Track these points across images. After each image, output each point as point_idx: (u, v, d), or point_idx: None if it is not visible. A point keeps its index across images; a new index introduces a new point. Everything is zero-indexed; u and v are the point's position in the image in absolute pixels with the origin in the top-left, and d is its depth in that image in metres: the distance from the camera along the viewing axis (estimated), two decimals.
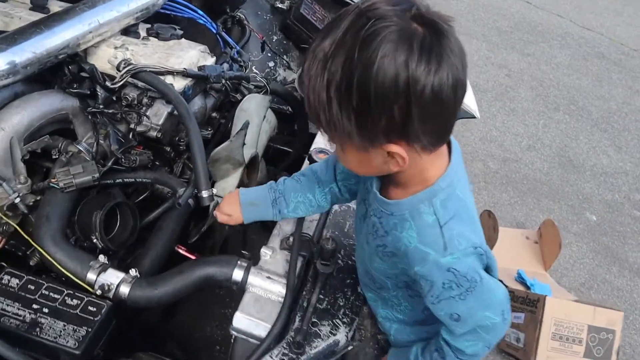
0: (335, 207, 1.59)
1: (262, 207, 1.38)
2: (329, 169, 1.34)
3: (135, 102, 1.53)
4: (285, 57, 2.49)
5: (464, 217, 1.01)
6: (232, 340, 1.35)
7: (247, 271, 1.34)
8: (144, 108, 1.56)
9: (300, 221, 1.46)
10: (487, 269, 1.05)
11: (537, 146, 4.48)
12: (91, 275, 1.31)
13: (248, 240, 1.94)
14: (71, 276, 1.29)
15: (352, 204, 1.60)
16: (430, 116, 0.87)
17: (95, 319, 1.22)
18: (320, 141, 1.76)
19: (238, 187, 1.80)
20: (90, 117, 1.48)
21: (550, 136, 4.65)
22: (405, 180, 1.02)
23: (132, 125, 1.56)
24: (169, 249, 1.52)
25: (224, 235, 1.62)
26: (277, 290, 1.33)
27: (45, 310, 1.21)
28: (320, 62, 0.86)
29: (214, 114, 1.88)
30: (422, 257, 1.01)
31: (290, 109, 2.21)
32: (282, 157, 2.34)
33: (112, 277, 1.32)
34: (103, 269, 1.32)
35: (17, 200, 1.33)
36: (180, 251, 1.59)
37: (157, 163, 1.70)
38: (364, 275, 1.30)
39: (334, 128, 0.90)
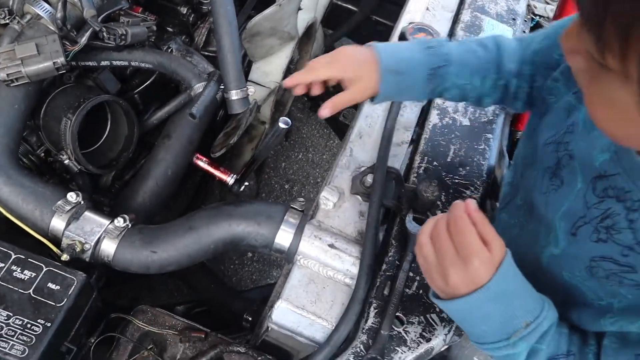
0: (435, 118, 1.03)
1: (411, 79, 0.83)
2: (524, 55, 0.84)
3: None
4: None
5: None
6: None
7: (298, 233, 0.84)
8: None
9: (384, 146, 0.92)
10: None
11: None
12: (57, 224, 0.84)
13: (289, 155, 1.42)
14: (23, 225, 0.82)
15: (461, 116, 1.04)
16: None
17: (59, 304, 0.77)
18: (416, 9, 1.14)
19: (288, 68, 1.24)
20: None
21: None
22: None
23: None
24: (180, 169, 1.03)
25: (261, 160, 1.11)
26: (344, 267, 0.84)
27: None
28: None
29: None
30: None
31: None
32: (342, 18, 1.73)
33: (89, 227, 0.85)
34: (75, 213, 0.85)
35: None
36: (201, 164, 1.10)
37: (168, 29, 1.14)
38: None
39: None
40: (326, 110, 0.82)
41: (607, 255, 0.62)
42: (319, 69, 0.82)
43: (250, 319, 1.26)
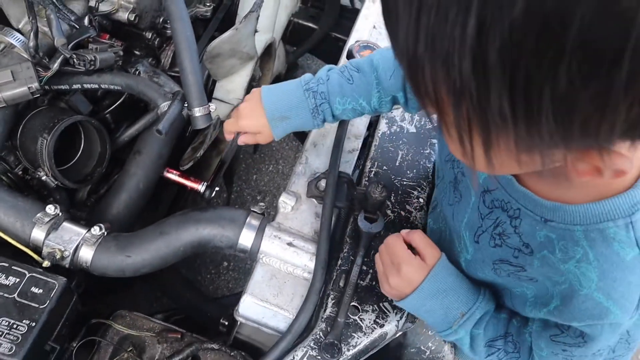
0: (384, 127, 1.13)
1: (298, 120, 0.92)
2: (397, 71, 0.88)
3: None
4: None
5: None
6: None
7: (259, 234, 0.93)
8: None
9: (336, 153, 1.02)
10: None
11: None
12: (37, 235, 0.91)
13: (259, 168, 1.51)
14: (5, 237, 0.89)
15: (408, 124, 1.14)
16: None
17: (42, 306, 0.85)
18: (364, 28, 1.24)
19: (250, 85, 1.33)
20: None
21: None
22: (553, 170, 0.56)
23: (91, 3, 1.06)
24: (151, 182, 1.11)
25: (227, 162, 1.19)
26: (302, 263, 0.93)
27: None
28: None
29: None
30: (597, 313, 0.61)
31: None
32: (304, 35, 1.82)
33: (68, 236, 0.92)
34: (54, 224, 0.92)
35: None
36: (171, 176, 1.17)
37: (136, 52, 1.22)
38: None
39: (471, 104, 0.40)
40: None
41: (503, 258, 0.71)
42: (231, 126, 0.97)
43: (226, 323, 1.33)
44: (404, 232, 0.84)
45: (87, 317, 1.02)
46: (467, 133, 0.43)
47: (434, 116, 0.46)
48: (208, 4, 1.31)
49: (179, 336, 1.03)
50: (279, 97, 0.92)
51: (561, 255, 0.63)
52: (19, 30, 1.00)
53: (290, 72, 1.85)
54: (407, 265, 0.79)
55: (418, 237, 0.82)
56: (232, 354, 0.99)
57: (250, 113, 0.93)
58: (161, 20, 1.21)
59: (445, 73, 0.39)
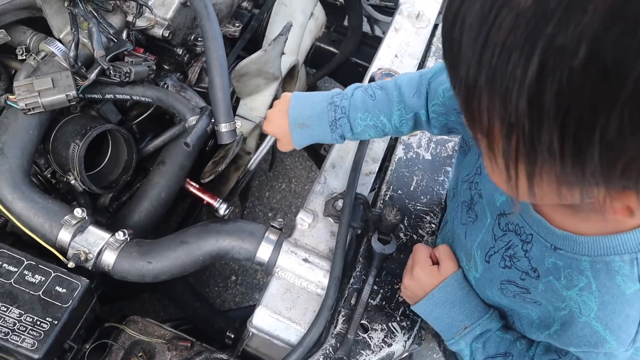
0: (400, 152, 1.17)
1: (317, 130, 0.94)
2: (421, 89, 0.91)
3: None
4: None
5: None
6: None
7: (276, 249, 0.96)
8: None
9: (353, 175, 1.05)
10: None
11: None
12: (63, 236, 0.95)
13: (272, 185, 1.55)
14: (34, 236, 0.93)
15: (424, 151, 1.18)
16: None
17: (65, 305, 0.88)
18: (386, 56, 1.29)
19: (271, 104, 1.37)
20: (66, 3, 1.03)
21: None
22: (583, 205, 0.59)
23: (129, 18, 1.11)
24: (173, 193, 1.14)
25: (247, 178, 1.23)
26: (316, 279, 0.96)
27: None
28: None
29: (244, 3, 1.41)
30: (594, 341, 0.64)
31: None
32: (324, 58, 1.88)
33: (93, 239, 0.96)
34: (81, 227, 0.96)
35: None
36: (190, 188, 1.21)
37: (165, 67, 1.27)
38: None
39: (522, 137, 0.43)
40: None
41: (511, 279, 0.74)
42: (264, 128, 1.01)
43: (232, 336, 1.36)
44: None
45: (100, 321, 1.05)
46: (513, 162, 0.45)
47: (482, 145, 0.49)
48: (237, 25, 1.37)
49: (189, 344, 1.05)
50: (304, 105, 0.94)
51: (565, 282, 0.65)
52: (59, 41, 1.05)
53: None
54: (419, 268, 0.86)
55: (442, 249, 0.88)
56: None
57: (275, 118, 0.97)
58: (192, 37, 1.26)
59: (502, 106, 0.42)
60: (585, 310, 0.64)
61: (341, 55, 1.84)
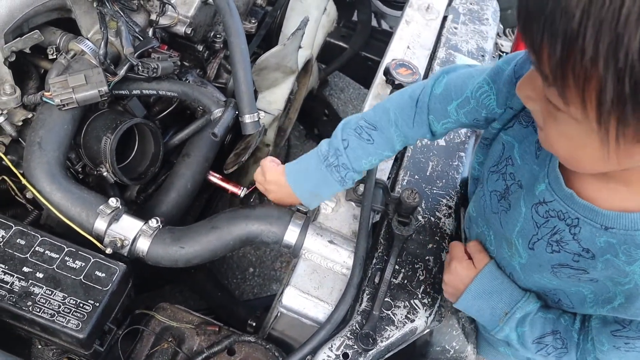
0: None
1: (328, 192, 0.99)
2: (420, 117, 0.94)
3: None
4: None
5: None
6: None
7: (303, 232, 1.01)
8: None
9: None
10: None
11: None
12: (100, 225, 1.00)
13: None
14: (73, 225, 0.98)
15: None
16: None
17: (105, 288, 0.93)
18: (399, 48, 1.34)
19: (288, 98, 1.42)
20: (95, 4, 1.08)
21: None
22: (634, 177, 0.64)
23: (153, 17, 1.16)
24: (198, 183, 1.19)
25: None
26: (341, 260, 1.00)
27: (40, 275, 0.91)
28: None
29: (259, 1, 1.46)
30: None
31: None
32: (334, 54, 1.92)
33: (127, 227, 1.01)
34: (115, 216, 1.01)
35: (1, 119, 0.99)
36: (213, 179, 1.26)
37: (185, 63, 1.32)
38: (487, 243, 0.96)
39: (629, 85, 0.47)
40: None
41: (563, 263, 0.77)
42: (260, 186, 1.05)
43: (254, 324, 1.40)
44: None
45: (130, 308, 1.09)
46: (607, 119, 0.50)
47: (566, 111, 0.54)
48: (253, 22, 1.42)
49: (217, 329, 1.10)
50: (304, 179, 0.98)
51: (625, 258, 0.69)
52: (88, 39, 1.10)
53: (321, 87, 1.95)
54: (456, 262, 0.92)
55: (472, 244, 0.94)
56: (267, 346, 1.06)
57: (279, 191, 1.01)
58: (212, 34, 1.30)
59: (612, 51, 0.45)
60: None
61: (351, 50, 1.89)
